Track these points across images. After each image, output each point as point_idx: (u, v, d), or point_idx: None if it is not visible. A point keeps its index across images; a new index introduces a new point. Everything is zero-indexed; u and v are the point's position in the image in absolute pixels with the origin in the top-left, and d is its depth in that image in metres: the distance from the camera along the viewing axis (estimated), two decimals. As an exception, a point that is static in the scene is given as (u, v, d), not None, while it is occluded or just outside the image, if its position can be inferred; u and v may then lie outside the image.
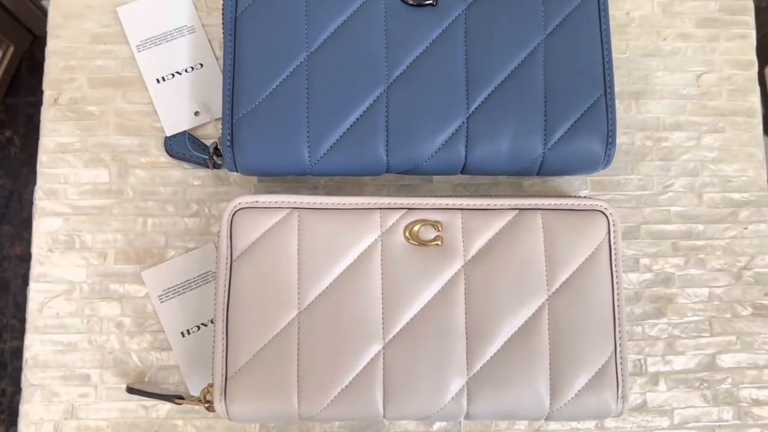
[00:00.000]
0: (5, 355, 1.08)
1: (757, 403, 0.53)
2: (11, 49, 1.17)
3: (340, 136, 0.46)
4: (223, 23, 0.47)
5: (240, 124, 0.46)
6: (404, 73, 0.47)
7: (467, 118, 0.47)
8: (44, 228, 0.52)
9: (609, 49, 0.48)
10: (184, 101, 0.52)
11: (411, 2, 0.47)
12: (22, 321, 0.96)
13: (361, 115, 0.46)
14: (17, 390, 1.06)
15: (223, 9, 0.47)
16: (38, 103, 0.53)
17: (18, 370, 1.07)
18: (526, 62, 0.48)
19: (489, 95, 0.47)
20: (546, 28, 0.48)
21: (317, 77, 0.47)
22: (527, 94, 0.47)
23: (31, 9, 1.15)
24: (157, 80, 0.52)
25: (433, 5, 0.48)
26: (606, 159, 0.48)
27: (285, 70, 0.47)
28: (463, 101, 0.47)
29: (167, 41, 0.53)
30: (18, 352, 1.07)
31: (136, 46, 0.53)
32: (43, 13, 1.16)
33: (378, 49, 0.47)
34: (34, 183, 0.52)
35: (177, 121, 0.52)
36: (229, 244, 0.44)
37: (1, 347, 1.07)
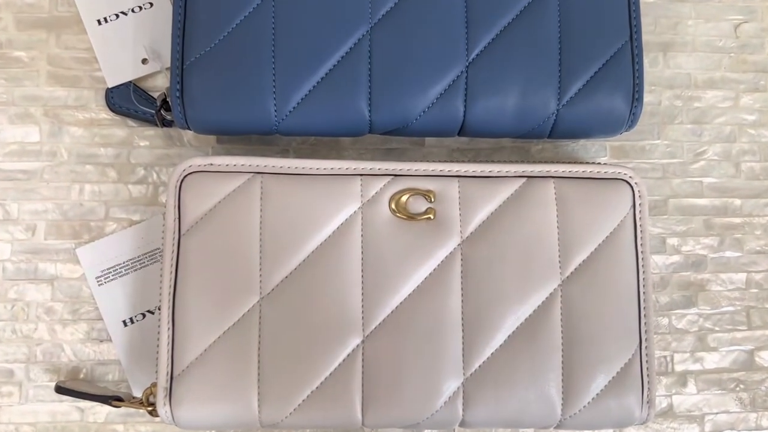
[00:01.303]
0: None
1: (801, 408, 0.53)
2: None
3: (313, 87, 0.44)
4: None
5: (191, 70, 0.44)
6: (392, 11, 0.45)
7: (467, 66, 0.45)
8: (-40, 196, 0.50)
9: (636, -14, 0.47)
10: (130, 46, 0.50)
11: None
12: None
13: (338, 62, 0.44)
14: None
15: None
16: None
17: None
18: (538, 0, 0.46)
19: (493, 39, 0.45)
20: (562, -41, 0.47)
21: (286, 14, 0.44)
22: (539, 38, 0.45)
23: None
24: (98, 21, 0.50)
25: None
26: (631, 119, 0.46)
27: (247, 5, 0.44)
28: (462, 46, 0.45)
29: (111, -26, 0.51)
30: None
31: (73, -20, 0.51)
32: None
33: (360, -18, 0.46)
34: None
35: (121, 70, 0.50)
36: (177, 216, 0.43)
37: None
